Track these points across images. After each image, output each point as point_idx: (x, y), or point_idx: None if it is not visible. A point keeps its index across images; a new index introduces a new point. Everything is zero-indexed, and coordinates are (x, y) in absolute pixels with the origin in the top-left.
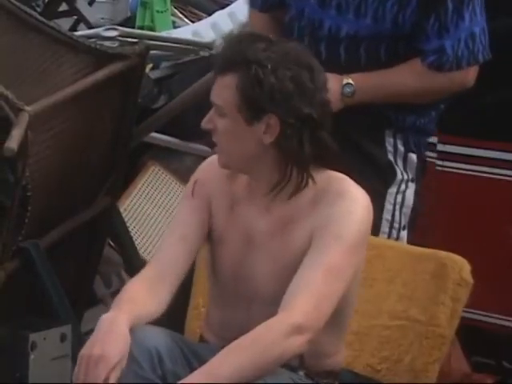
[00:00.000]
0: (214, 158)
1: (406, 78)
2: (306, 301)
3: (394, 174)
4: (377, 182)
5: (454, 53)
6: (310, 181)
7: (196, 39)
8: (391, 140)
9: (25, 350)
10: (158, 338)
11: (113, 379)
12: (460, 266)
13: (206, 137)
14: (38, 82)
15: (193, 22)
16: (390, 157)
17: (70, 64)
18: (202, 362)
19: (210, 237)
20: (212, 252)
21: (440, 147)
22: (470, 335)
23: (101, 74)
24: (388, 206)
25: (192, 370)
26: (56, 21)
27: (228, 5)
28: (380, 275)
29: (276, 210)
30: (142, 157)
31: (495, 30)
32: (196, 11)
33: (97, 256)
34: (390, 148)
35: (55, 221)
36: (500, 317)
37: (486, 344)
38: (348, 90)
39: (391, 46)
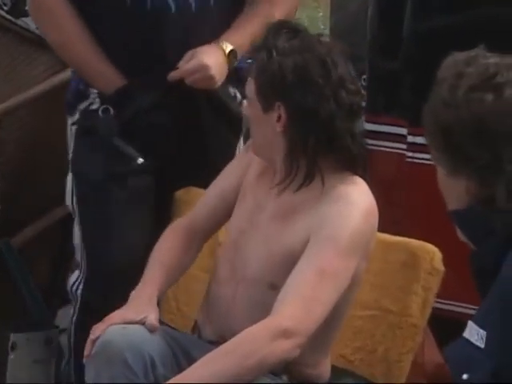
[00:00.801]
0: None
1: (270, 15)
2: (295, 304)
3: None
4: (229, 132)
5: None
6: (320, 178)
7: None
8: (233, 90)
9: (4, 350)
10: (153, 343)
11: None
12: (431, 255)
13: None
14: (8, 80)
15: None
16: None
17: (40, 62)
18: (192, 363)
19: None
20: (232, 213)
21: (410, 139)
22: (443, 326)
23: (70, 72)
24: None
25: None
26: (24, 19)
27: None
28: None
29: (284, 198)
30: None
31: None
32: None
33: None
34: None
35: (27, 219)
36: (472, 306)
37: (459, 334)
38: (234, 58)
39: None
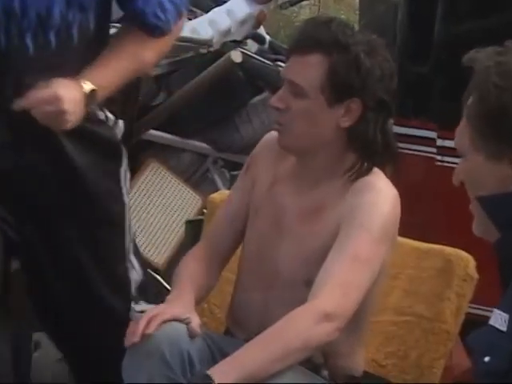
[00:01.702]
0: (270, 136)
1: (139, 53)
2: (333, 289)
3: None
4: (108, 161)
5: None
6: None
7: (194, 36)
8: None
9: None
10: (192, 340)
11: (196, 324)
12: (465, 262)
13: (204, 134)
14: None
15: (190, 19)
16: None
17: None
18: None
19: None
20: (247, 230)
21: (439, 142)
22: (471, 330)
23: None
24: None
25: None
26: None
27: (225, 2)
28: None
29: (308, 194)
30: (142, 154)
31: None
32: (193, 8)
33: None
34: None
35: None
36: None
37: None
38: (92, 99)
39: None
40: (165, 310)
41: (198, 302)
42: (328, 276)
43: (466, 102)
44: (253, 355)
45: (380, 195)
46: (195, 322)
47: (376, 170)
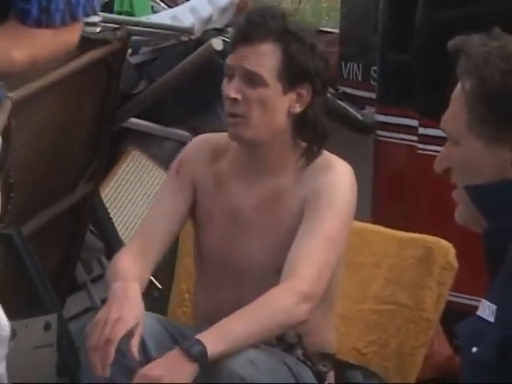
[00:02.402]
0: (200, 138)
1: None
2: (310, 268)
3: None
4: None
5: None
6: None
7: (176, 24)
8: None
9: None
10: (146, 325)
11: (134, 346)
12: (446, 251)
13: (185, 122)
14: None
15: (170, 6)
16: None
17: None
18: None
19: (196, 216)
20: (199, 233)
21: (421, 130)
22: (452, 318)
23: (82, 60)
24: None
25: None
26: None
27: None
28: (365, 260)
29: (262, 185)
30: (123, 142)
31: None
32: None
33: (79, 242)
34: None
35: (38, 207)
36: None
37: None
38: None
39: None
40: (116, 326)
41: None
42: (302, 256)
43: (462, 86)
44: (239, 327)
45: (339, 174)
46: (137, 333)
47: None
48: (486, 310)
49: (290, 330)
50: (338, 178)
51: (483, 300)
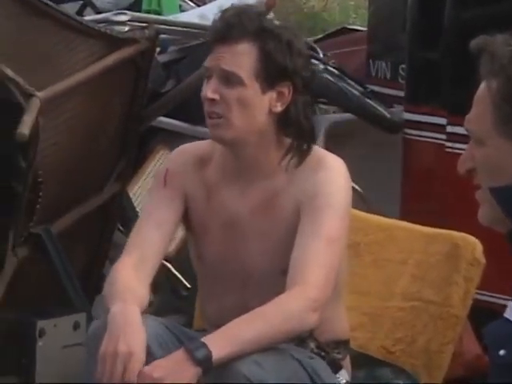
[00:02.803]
0: (183, 148)
1: None
2: (318, 274)
3: None
4: None
5: None
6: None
7: (203, 23)
8: None
9: (32, 337)
10: (149, 329)
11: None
12: (473, 246)
13: None
14: (49, 67)
15: (198, 5)
16: None
17: (81, 49)
18: None
19: (191, 227)
20: (196, 242)
21: (449, 129)
22: (481, 317)
23: (111, 59)
24: None
25: None
26: (63, 5)
27: None
28: (392, 256)
29: (255, 188)
30: (151, 141)
31: None
32: None
33: (107, 241)
34: None
35: (66, 206)
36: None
37: None
38: None
39: None
40: (129, 366)
41: (142, 310)
42: (308, 260)
43: (488, 86)
44: (247, 331)
45: (333, 171)
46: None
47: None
48: None
49: (297, 335)
50: (333, 174)
51: (510, 302)
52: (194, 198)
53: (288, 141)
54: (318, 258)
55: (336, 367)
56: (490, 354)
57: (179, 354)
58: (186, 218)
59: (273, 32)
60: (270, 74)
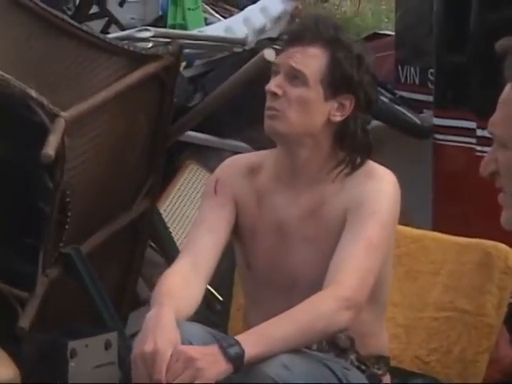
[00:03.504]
0: (231, 159)
1: None
2: (352, 275)
3: None
4: None
5: None
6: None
7: (229, 36)
8: None
9: (64, 358)
10: (192, 330)
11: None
12: (505, 255)
13: (243, 133)
14: (73, 86)
15: (224, 17)
16: None
17: (105, 67)
18: None
19: (240, 235)
20: (245, 250)
21: (479, 132)
22: None
23: (135, 76)
24: None
25: None
26: (87, 23)
27: None
28: (424, 267)
29: (304, 196)
30: (180, 156)
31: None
32: (227, 7)
33: (139, 258)
34: None
35: (96, 225)
36: None
37: None
38: None
39: None
40: (155, 365)
41: (183, 316)
42: (345, 262)
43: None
44: (279, 330)
45: (382, 182)
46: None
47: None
48: None
49: (331, 336)
50: (382, 185)
51: None
52: (245, 205)
53: (342, 154)
54: (354, 261)
55: (376, 382)
56: None
57: (214, 349)
58: (236, 225)
59: (345, 43)
60: (335, 83)
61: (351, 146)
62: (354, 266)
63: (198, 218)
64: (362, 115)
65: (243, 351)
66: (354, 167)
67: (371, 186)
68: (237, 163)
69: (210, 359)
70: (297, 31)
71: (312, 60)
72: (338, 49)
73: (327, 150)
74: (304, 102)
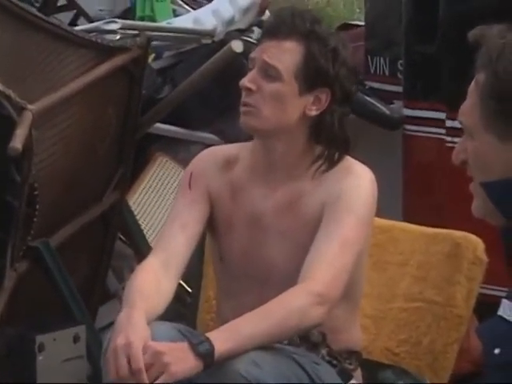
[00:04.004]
0: (208, 151)
1: None
2: (326, 271)
3: None
4: None
5: None
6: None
7: (197, 27)
8: None
9: (32, 352)
10: (160, 330)
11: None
12: (474, 245)
13: (213, 125)
14: (41, 79)
15: (193, 8)
16: None
17: (72, 59)
18: None
19: (214, 227)
20: (219, 242)
21: (449, 123)
22: (488, 311)
23: (103, 68)
24: None
25: None
26: (55, 16)
27: None
28: (393, 258)
29: (281, 189)
30: (149, 148)
31: None
32: None
33: (109, 251)
34: None
35: (65, 218)
36: None
37: None
38: None
39: None
40: (128, 342)
41: (153, 315)
42: (319, 259)
43: (477, 79)
44: (249, 327)
45: (360, 179)
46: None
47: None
48: (507, 310)
49: (304, 332)
50: (359, 182)
51: (503, 299)
52: (219, 198)
53: (319, 148)
54: (328, 257)
55: (346, 377)
56: (484, 352)
57: (184, 346)
58: (211, 218)
59: (320, 36)
60: (310, 77)
61: (328, 140)
62: (328, 263)
63: (171, 213)
64: (338, 109)
65: (213, 348)
66: (332, 162)
67: (349, 182)
68: (213, 155)
69: (178, 354)
70: (272, 25)
71: (286, 54)
72: (313, 42)
73: (304, 144)
74: (278, 97)
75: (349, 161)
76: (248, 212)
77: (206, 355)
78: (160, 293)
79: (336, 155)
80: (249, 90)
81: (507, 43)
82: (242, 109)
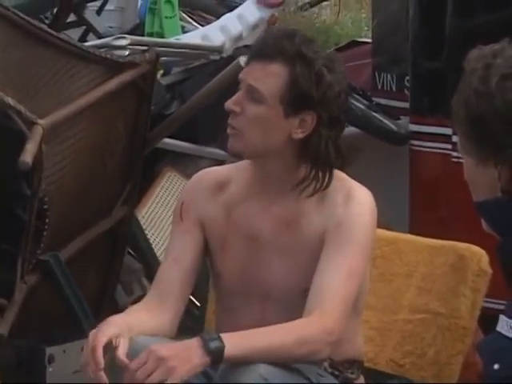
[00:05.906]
0: (197, 176)
1: None
2: (336, 305)
3: None
4: None
5: None
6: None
7: (205, 43)
8: None
9: (42, 364)
10: (149, 340)
11: (122, 354)
12: (479, 257)
13: (220, 140)
14: (51, 94)
15: (202, 25)
16: None
17: (82, 75)
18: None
19: (210, 247)
20: (215, 260)
21: (455, 138)
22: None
23: (112, 84)
24: None
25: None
26: (65, 32)
27: (236, 7)
28: (398, 270)
29: (277, 207)
30: (158, 163)
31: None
32: (204, 15)
33: (117, 265)
34: None
35: (75, 232)
36: None
37: None
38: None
39: None
40: (96, 337)
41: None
42: (328, 290)
43: (456, 104)
44: (265, 341)
45: (361, 206)
46: (122, 347)
47: (342, 175)
48: (505, 325)
49: (307, 361)
50: (359, 210)
51: (501, 315)
52: (213, 221)
53: (308, 168)
54: (337, 289)
55: None
56: (484, 368)
57: (193, 342)
58: (206, 240)
59: (306, 59)
60: (295, 100)
61: (314, 162)
62: (336, 295)
63: (167, 247)
64: (326, 131)
65: (224, 346)
66: (322, 183)
67: (350, 209)
68: (203, 179)
69: (183, 355)
70: (259, 46)
71: (271, 78)
72: (299, 65)
73: (293, 164)
74: (262, 120)
75: (349, 182)
76: (244, 229)
77: (215, 352)
78: (151, 319)
79: (326, 176)
80: (233, 111)
81: (478, 69)
82: (228, 131)
